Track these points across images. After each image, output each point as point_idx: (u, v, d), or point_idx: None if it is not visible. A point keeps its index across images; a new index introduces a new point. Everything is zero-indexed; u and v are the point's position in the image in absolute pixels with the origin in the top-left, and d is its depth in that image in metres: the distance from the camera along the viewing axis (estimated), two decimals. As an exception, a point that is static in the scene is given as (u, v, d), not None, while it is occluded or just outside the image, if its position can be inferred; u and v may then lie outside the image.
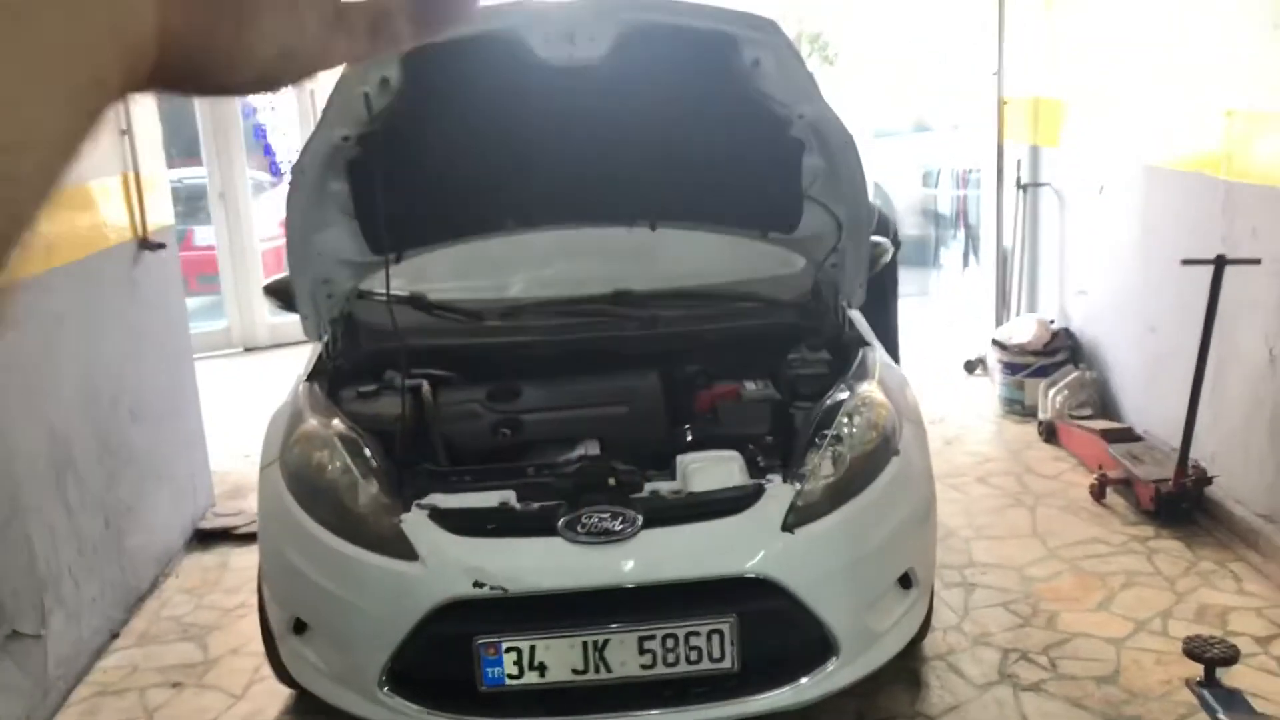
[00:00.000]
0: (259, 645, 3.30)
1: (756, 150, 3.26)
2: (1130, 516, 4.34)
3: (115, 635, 3.81)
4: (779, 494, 2.77)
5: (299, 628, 2.89)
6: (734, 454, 2.88)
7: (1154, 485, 4.22)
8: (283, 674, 3.15)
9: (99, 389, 3.88)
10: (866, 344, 3.38)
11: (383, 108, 2.96)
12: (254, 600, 3.36)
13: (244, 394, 6.64)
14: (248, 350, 7.92)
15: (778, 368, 3.38)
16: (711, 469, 2.84)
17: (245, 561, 4.30)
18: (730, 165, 3.34)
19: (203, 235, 8.61)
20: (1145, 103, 4.73)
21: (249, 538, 4.50)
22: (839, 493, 2.81)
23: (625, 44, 2.91)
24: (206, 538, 4.60)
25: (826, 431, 2.92)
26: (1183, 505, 4.20)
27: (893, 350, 4.83)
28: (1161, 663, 3.31)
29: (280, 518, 2.90)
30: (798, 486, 2.78)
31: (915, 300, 8.23)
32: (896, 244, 4.78)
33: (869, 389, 3.09)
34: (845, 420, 2.95)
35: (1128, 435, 4.78)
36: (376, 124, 2.99)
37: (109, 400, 3.96)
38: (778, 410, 3.22)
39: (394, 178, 3.17)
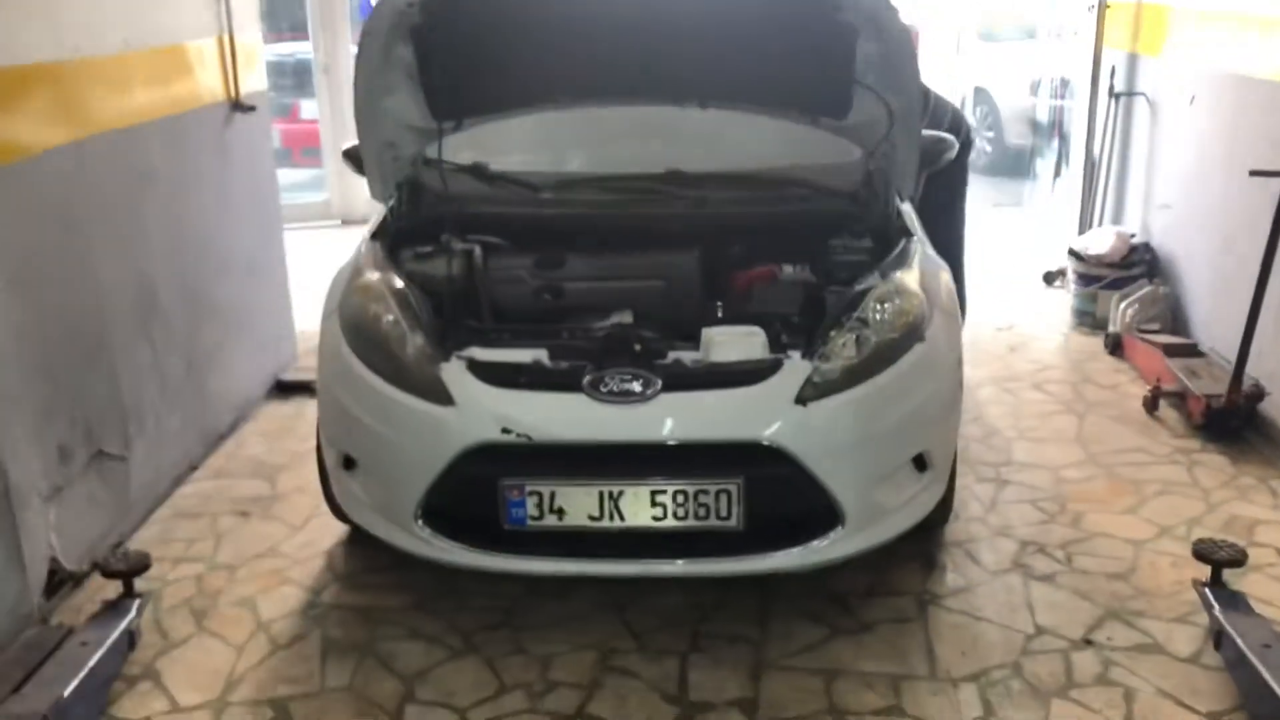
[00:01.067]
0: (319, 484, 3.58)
1: (810, 34, 3.29)
2: (1180, 430, 4.34)
3: (194, 468, 4.14)
4: (796, 369, 2.88)
5: (348, 464, 3.13)
6: (757, 330, 3.00)
7: (1205, 399, 4.21)
8: (335, 508, 3.42)
9: (187, 242, 4.15)
10: (910, 235, 3.42)
11: (448, -26, 3.09)
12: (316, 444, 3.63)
13: (337, 263, 6.92)
14: (345, 223, 8.21)
15: (820, 253, 3.46)
16: (734, 342, 2.97)
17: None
18: (783, 48, 3.38)
19: (309, 109, 8.89)
20: (1244, 9, 4.56)
21: (324, 391, 4.81)
22: (858, 373, 2.91)
23: (682, -78, 2.97)
24: (286, 389, 4.92)
25: (854, 314, 3.01)
26: (1233, 421, 4.19)
27: (957, 250, 4.83)
28: (1177, 566, 3.36)
29: (336, 362, 3.13)
30: (816, 363, 2.89)
31: (1008, 210, 8.13)
32: (966, 144, 4.75)
33: (903, 277, 3.16)
34: (875, 306, 3.03)
35: (1190, 350, 4.74)
36: (441, -10, 3.12)
37: (196, 254, 4.23)
38: (811, 293, 3.32)
39: (456, 46, 3.31)
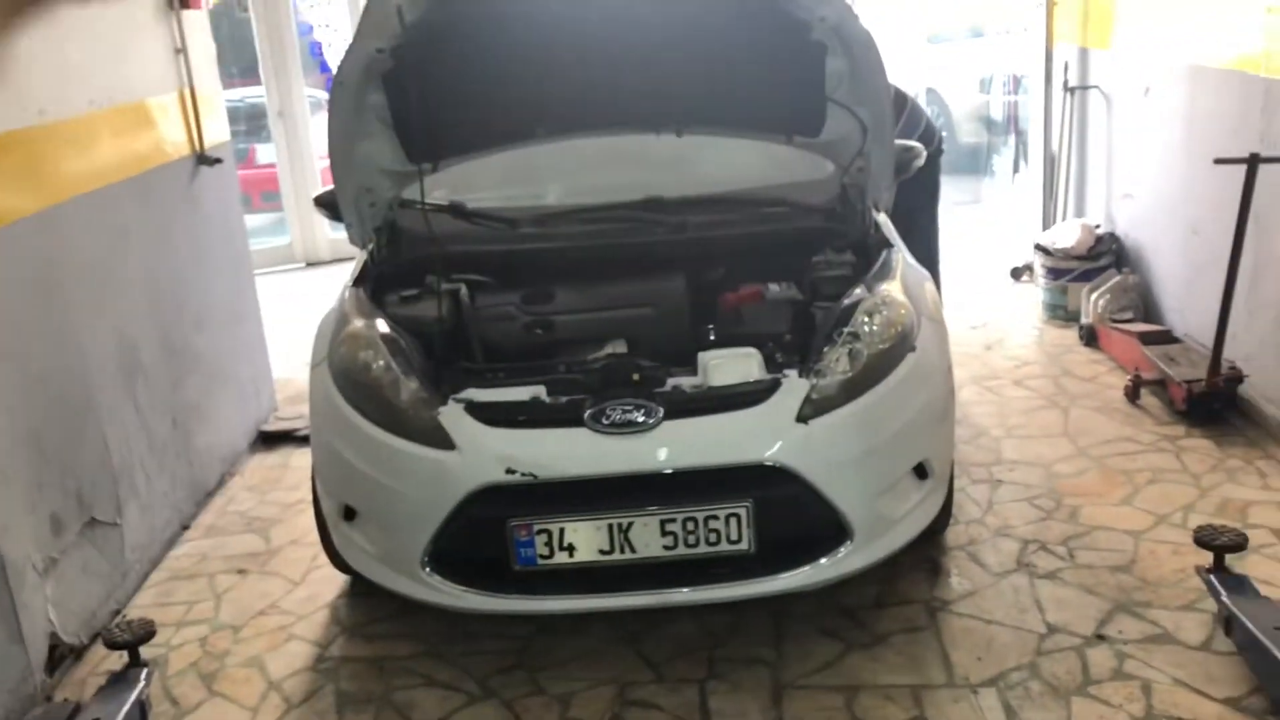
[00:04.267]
0: (316, 536, 3.53)
1: (779, 55, 3.32)
2: (1163, 417, 4.40)
3: (186, 527, 4.09)
4: (794, 387, 2.89)
5: (349, 514, 3.10)
6: (753, 351, 3.01)
7: (1186, 385, 4.27)
8: (336, 560, 3.39)
9: (164, 297, 4.11)
10: (890, 245, 3.45)
11: (415, 20, 3.08)
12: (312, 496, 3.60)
13: (306, 307, 6.86)
14: (310, 265, 8.17)
15: (803, 270, 3.48)
16: (731, 365, 2.97)
17: (305, 461, 4.50)
18: (754, 70, 3.41)
19: (265, 153, 8.84)
20: (1190, 1, 4.66)
21: (309, 439, 4.76)
22: (854, 387, 2.93)
23: (646, -48, 2.99)
24: (270, 439, 4.87)
25: (844, 329, 3.03)
26: (1214, 405, 4.25)
27: (933, 254, 4.88)
28: (1178, 553, 3.40)
29: (329, 413, 3.10)
30: (813, 381, 2.91)
31: (967, 208, 8.21)
32: (939, 151, 4.80)
33: (889, 288, 3.18)
34: (865, 319, 3.05)
35: (1165, 338, 4.80)
36: (409, 36, 3.11)
37: (174, 308, 4.19)
38: (799, 310, 3.34)
39: (428, 89, 3.30)
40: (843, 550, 2.89)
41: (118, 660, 3.09)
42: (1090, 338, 5.26)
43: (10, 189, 3.18)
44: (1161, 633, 3.04)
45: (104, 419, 3.57)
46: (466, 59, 3.33)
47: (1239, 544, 3.07)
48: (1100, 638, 3.04)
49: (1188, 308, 4.91)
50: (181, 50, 4.35)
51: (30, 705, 2.98)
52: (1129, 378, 4.62)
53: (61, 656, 3.19)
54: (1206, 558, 3.17)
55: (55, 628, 3.17)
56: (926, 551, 3.47)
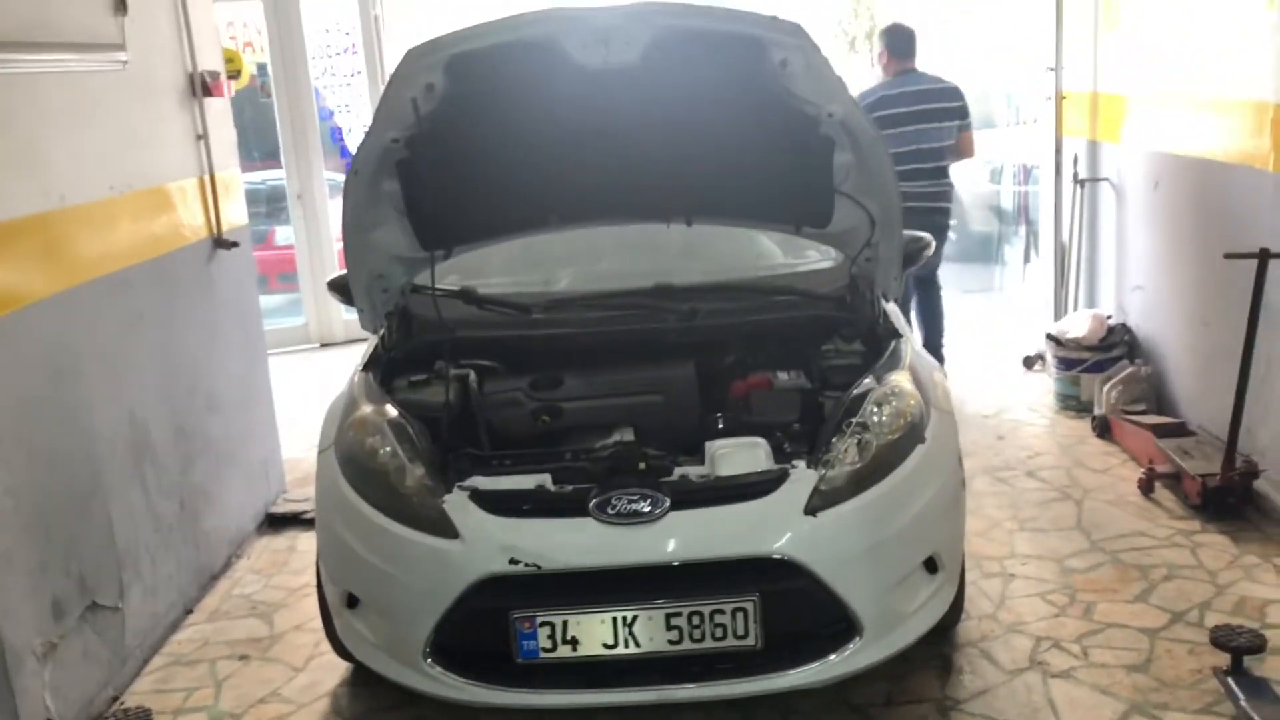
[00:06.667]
0: (320, 622, 3.49)
1: (788, 148, 3.36)
2: (1178, 511, 4.34)
3: (189, 611, 4.05)
4: (803, 478, 2.87)
5: (351, 602, 3.07)
6: (760, 440, 3.00)
7: (1201, 479, 4.22)
8: (339, 647, 3.34)
9: (177, 379, 4.13)
10: (899, 335, 3.46)
11: (429, 111, 3.13)
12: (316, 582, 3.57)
13: (319, 387, 6.86)
14: (324, 345, 8.20)
15: (812, 359, 3.48)
16: (738, 454, 2.96)
17: (312, 545, 4.43)
18: (763, 162, 3.45)
19: (284, 235, 8.95)
20: (1198, 97, 4.71)
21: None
22: (863, 478, 2.91)
23: (658, 48, 3.04)
24: (277, 522, 4.85)
25: (853, 419, 3.02)
26: (1229, 499, 4.19)
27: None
28: (1195, 653, 3.33)
29: (334, 498, 3.09)
30: (821, 472, 2.89)
31: (979, 296, 8.23)
32: None
33: (898, 378, 3.17)
34: (874, 409, 3.04)
35: (1179, 430, 4.76)
36: (424, 127, 3.16)
37: (186, 390, 4.20)
38: (808, 399, 3.32)
39: (442, 178, 3.35)
40: (851, 646, 2.84)
41: (113, 749, 3.04)
42: (1103, 429, 5.22)
43: (28, 272, 3.22)
44: (1179, 736, 2.97)
45: (110, 501, 3.56)
46: (481, 149, 3.37)
47: (1257, 646, 3.02)
48: (1116, 740, 2.97)
49: (1201, 400, 4.88)
50: (203, 136, 4.42)
51: (22, 795, 2.93)
52: (1143, 471, 4.57)
53: (57, 744, 3.15)
54: (1224, 659, 3.12)
55: (51, 714, 3.13)
56: (938, 648, 3.40)
